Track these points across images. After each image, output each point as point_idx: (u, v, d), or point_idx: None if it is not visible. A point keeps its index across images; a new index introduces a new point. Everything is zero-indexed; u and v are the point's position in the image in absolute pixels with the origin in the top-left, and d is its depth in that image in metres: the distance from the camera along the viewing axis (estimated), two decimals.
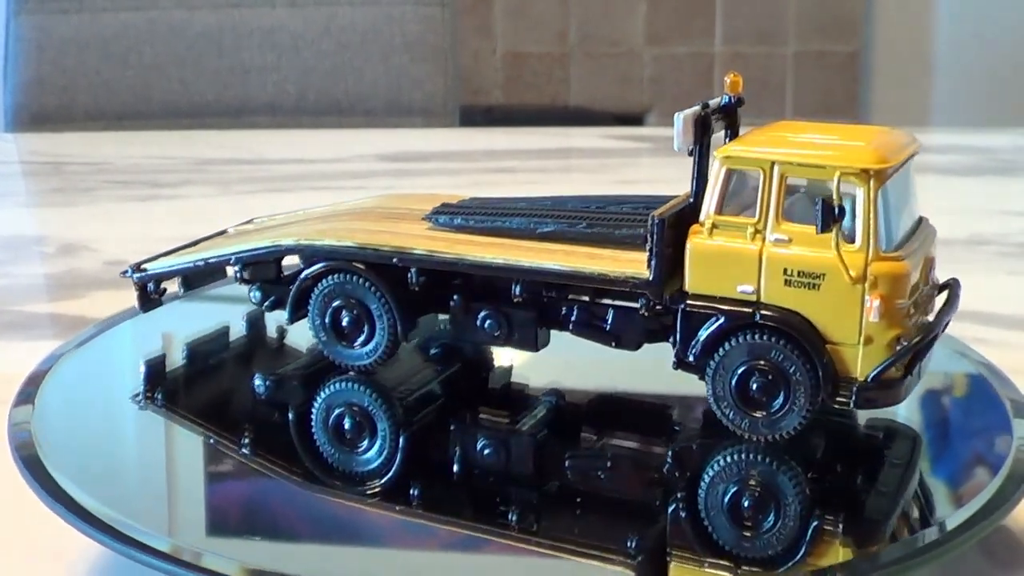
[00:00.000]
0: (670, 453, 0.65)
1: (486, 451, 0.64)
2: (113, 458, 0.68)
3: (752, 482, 0.61)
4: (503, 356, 0.77)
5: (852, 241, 0.61)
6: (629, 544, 0.56)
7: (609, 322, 0.68)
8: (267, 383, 0.73)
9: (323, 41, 2.00)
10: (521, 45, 3.05)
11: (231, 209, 1.37)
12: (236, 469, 0.66)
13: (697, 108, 0.65)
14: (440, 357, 0.77)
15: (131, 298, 0.79)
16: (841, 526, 0.58)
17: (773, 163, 0.62)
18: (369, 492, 0.63)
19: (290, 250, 0.75)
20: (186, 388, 0.76)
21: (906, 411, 0.68)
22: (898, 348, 0.61)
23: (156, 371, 0.75)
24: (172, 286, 0.79)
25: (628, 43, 3.01)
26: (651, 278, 0.64)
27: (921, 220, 0.67)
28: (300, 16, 1.98)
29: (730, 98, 0.68)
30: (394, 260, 0.71)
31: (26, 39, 1.94)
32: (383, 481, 0.63)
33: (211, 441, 0.68)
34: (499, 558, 0.58)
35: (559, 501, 0.62)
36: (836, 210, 0.59)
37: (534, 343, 0.70)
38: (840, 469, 0.64)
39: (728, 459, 0.63)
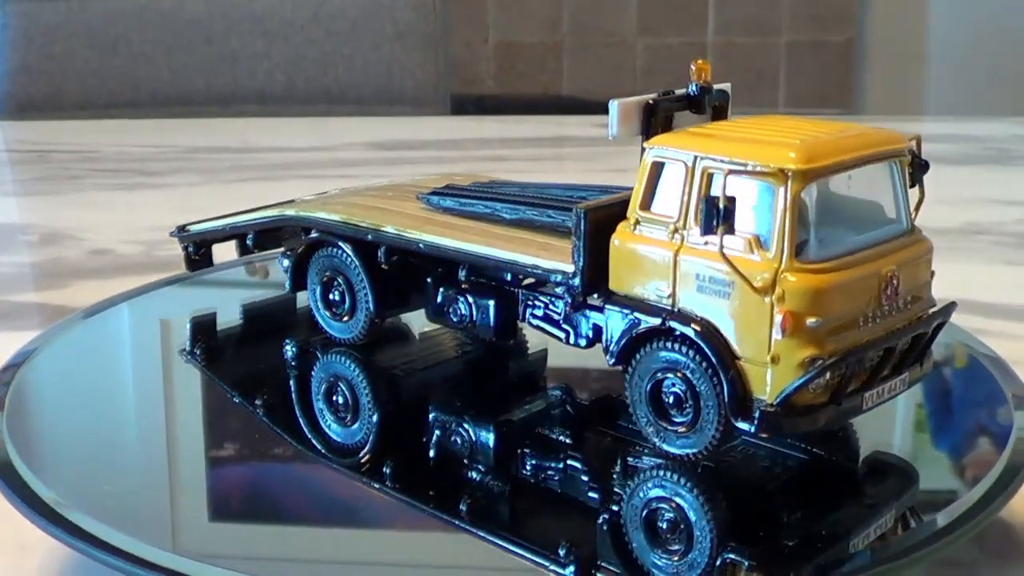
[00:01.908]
0: (619, 464, 0.61)
1: (453, 438, 0.63)
2: (85, 453, 0.66)
3: (672, 506, 0.56)
4: (539, 343, 0.74)
5: (767, 248, 0.55)
6: (560, 552, 0.53)
7: (562, 316, 0.66)
8: (294, 350, 0.75)
9: (313, 29, 1.98)
10: (513, 34, 3.03)
11: (218, 197, 1.35)
12: (222, 458, 0.65)
13: (643, 97, 0.62)
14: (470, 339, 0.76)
15: (113, 287, 0.78)
16: (747, 563, 0.52)
17: (695, 158, 0.58)
18: (339, 465, 0.63)
19: (287, 220, 0.77)
20: (228, 348, 0.79)
21: (905, 401, 0.66)
22: (809, 371, 0.54)
23: (202, 328, 0.79)
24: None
25: (621, 33, 2.99)
26: (573, 272, 0.62)
27: (904, 229, 0.61)
28: (289, 3, 1.97)
29: (697, 86, 0.64)
30: (368, 237, 0.72)
31: (13, 27, 1.93)
32: (358, 457, 0.63)
33: (234, 400, 0.71)
34: (439, 544, 0.57)
35: (513, 496, 0.60)
36: (721, 211, 0.54)
37: (491, 331, 0.69)
38: (786, 502, 0.58)
39: (663, 478, 0.58)
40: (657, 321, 0.58)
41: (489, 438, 0.64)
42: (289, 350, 0.75)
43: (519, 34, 3.03)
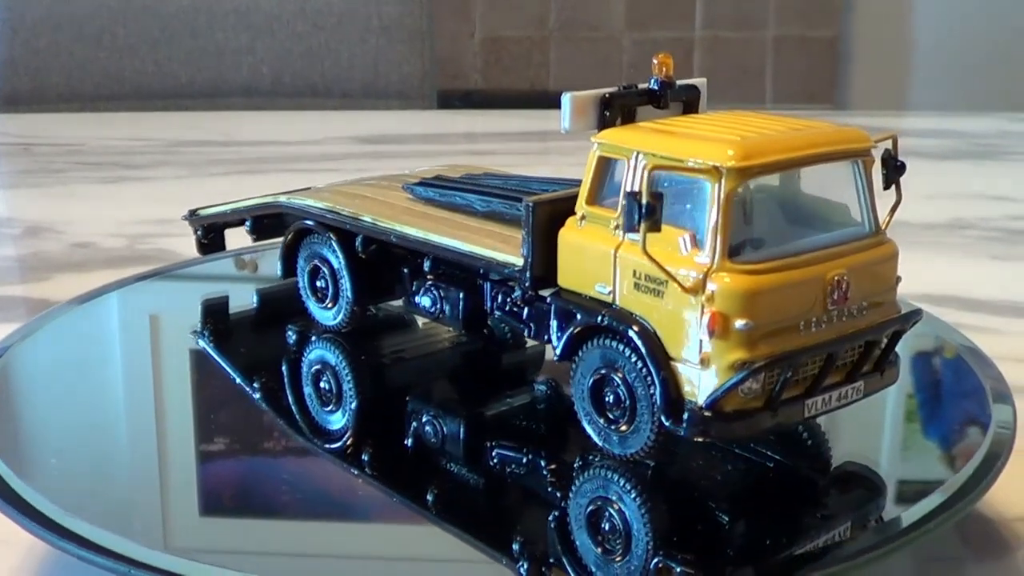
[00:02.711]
0: (577, 463, 0.59)
1: (427, 429, 0.63)
2: (63, 449, 0.65)
3: (613, 509, 0.54)
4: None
5: (702, 246, 0.54)
6: (515, 548, 0.53)
7: (522, 311, 0.64)
8: (295, 336, 0.76)
9: (299, 22, 1.97)
10: (500, 29, 3.03)
11: (201, 191, 1.34)
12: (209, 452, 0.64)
13: (598, 91, 0.61)
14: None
15: (95, 280, 0.77)
16: (679, 568, 0.50)
17: (636, 153, 0.56)
18: (321, 452, 0.63)
19: (278, 207, 0.77)
20: (238, 331, 0.80)
21: (890, 393, 0.66)
22: (738, 374, 0.53)
23: (213, 310, 0.81)
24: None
25: (608, 27, 2.99)
26: (521, 266, 0.61)
27: (866, 232, 0.58)
28: None
29: (658, 81, 0.63)
30: (347, 225, 0.72)
31: None
32: (338, 445, 0.64)
33: (234, 381, 0.72)
34: (399, 533, 0.57)
35: (480, 489, 0.60)
36: (643, 207, 0.53)
37: (459, 323, 0.68)
38: (736, 509, 0.56)
39: (608, 478, 0.57)
40: (596, 318, 0.57)
41: (459, 430, 0.63)
42: (291, 335, 0.76)
43: (506, 28, 3.03)
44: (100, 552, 0.50)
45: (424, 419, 0.64)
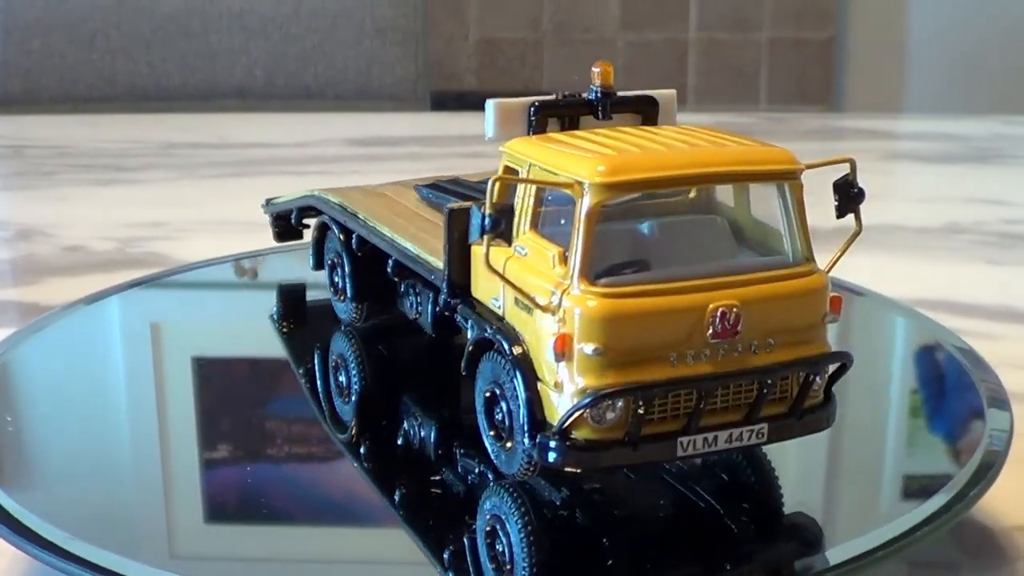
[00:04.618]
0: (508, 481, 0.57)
1: (412, 431, 0.62)
2: (54, 461, 0.65)
3: (502, 531, 0.52)
4: None
5: (566, 264, 0.51)
6: (445, 556, 0.52)
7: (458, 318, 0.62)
8: (342, 328, 0.76)
9: (292, 24, 1.97)
10: (494, 31, 3.02)
11: (193, 193, 1.34)
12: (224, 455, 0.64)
13: (525, 99, 0.60)
14: None
15: (86, 284, 0.77)
16: None
17: (530, 165, 0.53)
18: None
19: (312, 200, 0.77)
20: (311, 318, 0.81)
21: (884, 394, 0.65)
22: (580, 401, 0.49)
23: (288, 296, 0.83)
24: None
25: (602, 29, 2.99)
26: (442, 272, 0.59)
27: (785, 262, 0.54)
28: None
29: (598, 90, 0.61)
30: (346, 223, 0.72)
31: None
32: (341, 437, 0.64)
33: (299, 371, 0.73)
34: (405, 536, 0.56)
35: (445, 491, 0.58)
36: (486, 218, 0.50)
37: (429, 325, 0.66)
38: (630, 548, 0.53)
39: (511, 500, 0.54)
40: (484, 332, 0.55)
41: (431, 432, 0.62)
42: (342, 326, 0.76)
43: (500, 30, 3.02)
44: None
45: (409, 421, 0.63)
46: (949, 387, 0.72)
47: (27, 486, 0.59)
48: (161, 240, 1.11)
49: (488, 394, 0.55)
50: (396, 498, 0.57)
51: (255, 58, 1.96)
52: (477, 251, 0.57)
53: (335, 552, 0.56)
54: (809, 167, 0.54)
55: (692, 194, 0.59)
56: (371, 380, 0.69)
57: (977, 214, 1.27)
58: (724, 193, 0.58)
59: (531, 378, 0.52)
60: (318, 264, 0.78)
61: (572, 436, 0.50)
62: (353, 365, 0.71)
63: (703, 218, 0.57)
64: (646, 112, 0.62)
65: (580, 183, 0.50)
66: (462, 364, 0.57)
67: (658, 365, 0.50)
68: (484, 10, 3.02)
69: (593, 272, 0.50)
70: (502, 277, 0.52)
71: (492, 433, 0.55)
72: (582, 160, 0.51)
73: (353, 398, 0.68)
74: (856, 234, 0.55)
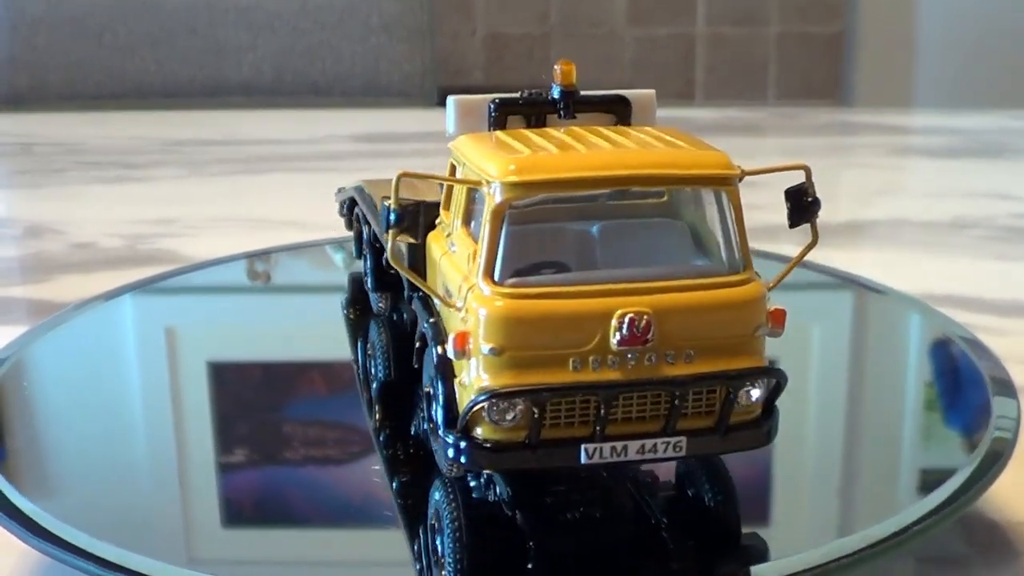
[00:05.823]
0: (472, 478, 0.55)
1: (422, 424, 0.61)
2: (64, 458, 0.65)
3: (436, 530, 0.52)
4: None
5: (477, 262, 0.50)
6: (413, 550, 0.52)
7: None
8: (374, 321, 0.75)
9: (300, 20, 1.97)
10: (501, 26, 3.02)
11: (201, 190, 1.34)
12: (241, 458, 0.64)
13: (485, 96, 0.59)
14: None
15: (96, 281, 0.77)
16: None
17: (464, 163, 0.53)
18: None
19: (352, 191, 0.78)
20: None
21: (887, 385, 0.65)
22: (472, 400, 0.48)
23: (358, 285, 0.81)
24: None
25: (609, 24, 2.99)
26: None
27: (719, 270, 0.51)
28: None
29: (559, 89, 0.60)
30: (366, 213, 0.72)
31: None
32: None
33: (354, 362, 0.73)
34: (377, 533, 0.56)
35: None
36: (389, 213, 0.50)
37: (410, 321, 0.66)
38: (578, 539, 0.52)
39: (450, 499, 0.52)
40: (422, 326, 0.54)
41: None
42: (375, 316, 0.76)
43: (507, 25, 3.02)
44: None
45: (416, 419, 0.63)
46: (956, 379, 0.72)
47: (44, 489, 0.59)
48: (170, 237, 1.11)
49: (427, 390, 0.54)
50: (406, 501, 0.57)
51: (262, 54, 1.96)
52: (428, 245, 0.56)
53: (353, 555, 0.56)
54: (749, 173, 0.52)
55: (664, 197, 0.57)
56: (394, 371, 0.68)
57: (986, 209, 1.26)
58: (708, 199, 0.54)
59: (448, 374, 0.51)
60: (359, 254, 0.79)
61: (475, 436, 0.49)
62: (379, 355, 0.70)
63: (660, 222, 0.55)
64: (617, 112, 0.61)
65: (489, 182, 0.50)
66: (413, 359, 0.57)
67: (557, 369, 0.49)
68: (491, 5, 3.02)
69: (504, 272, 0.49)
70: (405, 271, 0.52)
71: (430, 427, 0.54)
72: (496, 159, 0.50)
73: (374, 389, 0.68)
74: (811, 246, 0.53)
